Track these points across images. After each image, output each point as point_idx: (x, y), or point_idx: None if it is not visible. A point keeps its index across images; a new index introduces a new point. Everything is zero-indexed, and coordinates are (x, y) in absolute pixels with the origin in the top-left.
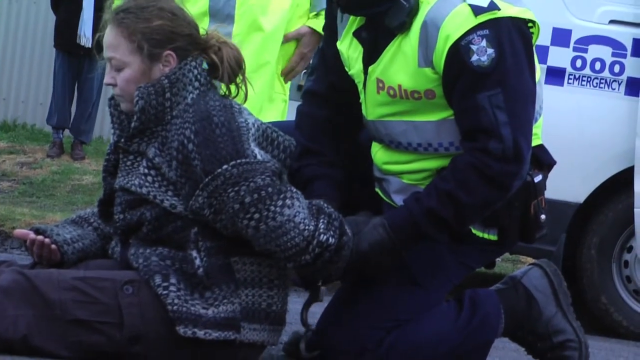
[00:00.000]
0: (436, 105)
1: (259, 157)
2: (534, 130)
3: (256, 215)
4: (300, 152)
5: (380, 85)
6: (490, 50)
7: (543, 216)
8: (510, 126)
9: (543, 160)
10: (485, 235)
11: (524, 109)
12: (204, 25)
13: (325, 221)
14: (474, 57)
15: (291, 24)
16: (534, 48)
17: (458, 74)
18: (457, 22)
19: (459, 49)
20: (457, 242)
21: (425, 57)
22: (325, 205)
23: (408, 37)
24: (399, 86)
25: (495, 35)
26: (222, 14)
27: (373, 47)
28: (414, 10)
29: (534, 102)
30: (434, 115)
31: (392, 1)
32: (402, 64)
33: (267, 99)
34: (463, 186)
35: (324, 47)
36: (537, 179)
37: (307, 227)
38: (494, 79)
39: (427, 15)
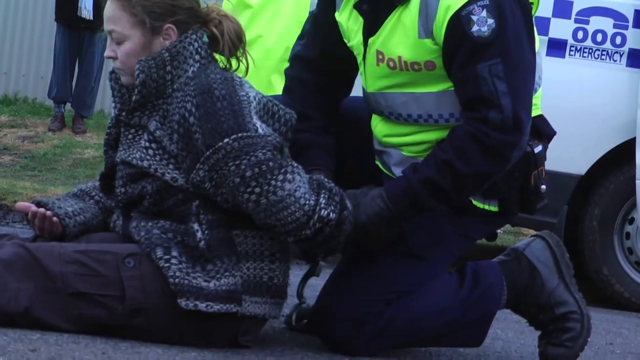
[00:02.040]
0: (436, 77)
1: (260, 130)
2: (534, 101)
3: (257, 189)
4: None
5: (380, 57)
6: (490, 21)
7: (543, 187)
8: (509, 96)
9: (543, 131)
10: (486, 207)
11: (523, 79)
12: None
13: (326, 196)
14: (475, 27)
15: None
16: (533, 20)
17: (458, 45)
18: None
19: (460, 19)
20: (458, 213)
21: (426, 28)
22: (326, 180)
23: (408, 8)
24: (399, 58)
25: (495, 6)
26: None
27: (373, 19)
28: None
29: (534, 73)
30: (434, 86)
31: None
32: (402, 35)
33: (266, 71)
34: (461, 155)
35: (317, 14)
36: (537, 149)
37: (307, 202)
38: (494, 49)
39: None
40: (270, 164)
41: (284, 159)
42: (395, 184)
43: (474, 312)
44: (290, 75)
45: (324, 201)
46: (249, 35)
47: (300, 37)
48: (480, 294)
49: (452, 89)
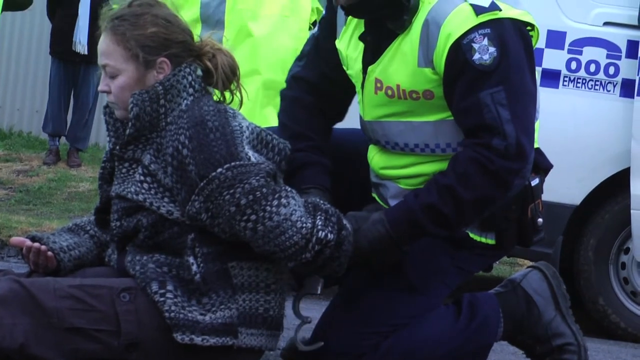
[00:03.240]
0: (434, 106)
1: (252, 159)
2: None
3: (253, 217)
4: (288, 136)
5: (379, 85)
6: (492, 49)
7: (540, 220)
8: (513, 123)
9: (540, 164)
10: (483, 239)
11: (525, 108)
12: (197, 32)
13: (323, 217)
14: (476, 56)
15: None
16: (533, 51)
17: (459, 73)
18: (458, 21)
19: (461, 47)
20: (455, 246)
21: (426, 56)
22: (322, 202)
23: (409, 36)
24: (398, 86)
25: (497, 35)
26: (212, 19)
27: (375, 48)
28: (414, 10)
29: (535, 103)
30: (432, 116)
31: (394, 5)
32: (401, 63)
33: (260, 105)
34: (463, 180)
35: (319, 37)
36: (534, 182)
37: (304, 225)
38: (495, 77)
39: (428, 14)
40: (264, 190)
41: (277, 185)
42: (396, 209)
43: (471, 344)
44: (287, 95)
45: (320, 223)
46: (251, 65)
47: (299, 59)
48: (477, 326)
49: (450, 118)
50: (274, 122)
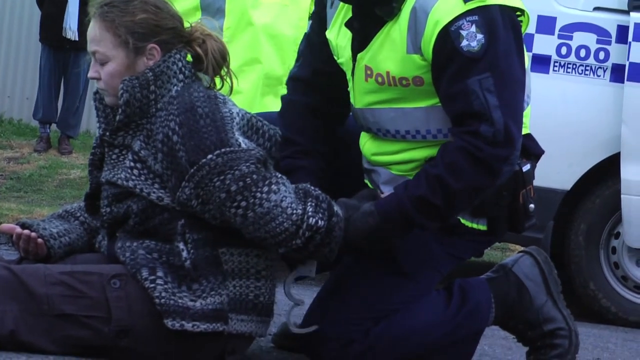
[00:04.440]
0: (425, 93)
1: (243, 145)
2: (525, 121)
3: (243, 203)
4: (281, 142)
5: (369, 72)
6: (479, 36)
7: (532, 205)
8: (501, 109)
9: (531, 150)
10: (475, 225)
11: (513, 94)
12: (196, 20)
13: (313, 204)
14: (464, 42)
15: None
16: (522, 37)
17: (447, 60)
18: (446, 8)
19: (449, 34)
20: (447, 232)
21: (414, 43)
22: (312, 188)
23: (397, 23)
24: (387, 73)
25: (485, 22)
26: (212, 7)
27: (363, 35)
28: None
29: (524, 89)
30: (423, 102)
31: None
32: (390, 50)
33: (261, 93)
34: (452, 170)
35: (310, 34)
36: (525, 168)
37: (295, 211)
38: (483, 64)
39: (416, 1)
40: (255, 176)
41: (268, 171)
42: (387, 201)
43: (462, 330)
44: (283, 98)
45: (311, 209)
46: (251, 54)
47: (296, 60)
48: (468, 312)
49: (440, 104)
50: (274, 108)
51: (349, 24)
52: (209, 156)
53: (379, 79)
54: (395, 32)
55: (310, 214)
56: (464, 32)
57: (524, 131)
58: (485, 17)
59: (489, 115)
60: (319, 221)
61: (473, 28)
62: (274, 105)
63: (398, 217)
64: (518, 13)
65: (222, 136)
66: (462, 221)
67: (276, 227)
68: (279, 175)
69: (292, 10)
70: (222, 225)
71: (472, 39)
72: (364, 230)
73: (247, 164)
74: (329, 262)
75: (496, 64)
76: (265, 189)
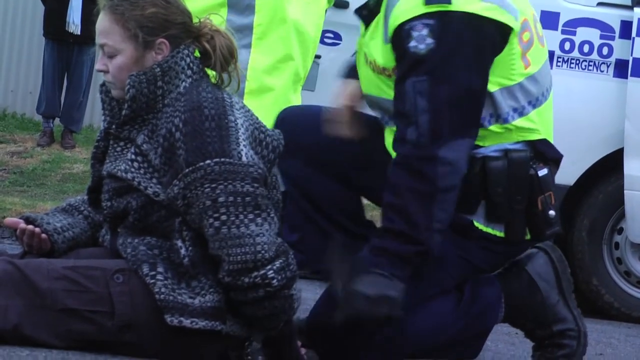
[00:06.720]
0: None
1: (244, 158)
2: (530, 126)
3: (223, 217)
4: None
5: (367, 59)
6: (429, 40)
7: (552, 212)
8: (429, 114)
9: (547, 154)
10: (490, 230)
11: (451, 103)
12: (223, 16)
13: (283, 265)
14: (412, 43)
15: None
16: (491, 47)
17: (399, 57)
18: (407, 7)
19: (402, 32)
20: (461, 235)
21: (386, 34)
22: (292, 255)
23: (381, 13)
24: (375, 61)
25: (439, 28)
26: (241, 4)
27: (368, 22)
28: None
29: (472, 101)
30: None
31: None
32: (377, 39)
33: (292, 91)
34: (393, 190)
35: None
36: (542, 172)
37: (263, 253)
38: (424, 67)
39: None
40: (247, 199)
41: (264, 202)
42: (366, 256)
43: (472, 328)
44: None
45: (277, 265)
46: (286, 50)
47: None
48: (478, 311)
49: None
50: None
51: (358, 12)
52: (207, 161)
53: (371, 66)
54: (380, 21)
55: (274, 268)
56: (414, 34)
57: (538, 136)
58: (441, 23)
59: (415, 119)
60: (274, 280)
61: (425, 31)
62: (298, 101)
63: (381, 258)
64: (503, 21)
65: (224, 145)
66: (475, 224)
67: (238, 254)
68: (272, 214)
69: (313, 7)
70: (199, 231)
71: (421, 41)
72: (372, 281)
73: (242, 183)
74: (265, 330)
75: (436, 69)
76: (251, 216)
